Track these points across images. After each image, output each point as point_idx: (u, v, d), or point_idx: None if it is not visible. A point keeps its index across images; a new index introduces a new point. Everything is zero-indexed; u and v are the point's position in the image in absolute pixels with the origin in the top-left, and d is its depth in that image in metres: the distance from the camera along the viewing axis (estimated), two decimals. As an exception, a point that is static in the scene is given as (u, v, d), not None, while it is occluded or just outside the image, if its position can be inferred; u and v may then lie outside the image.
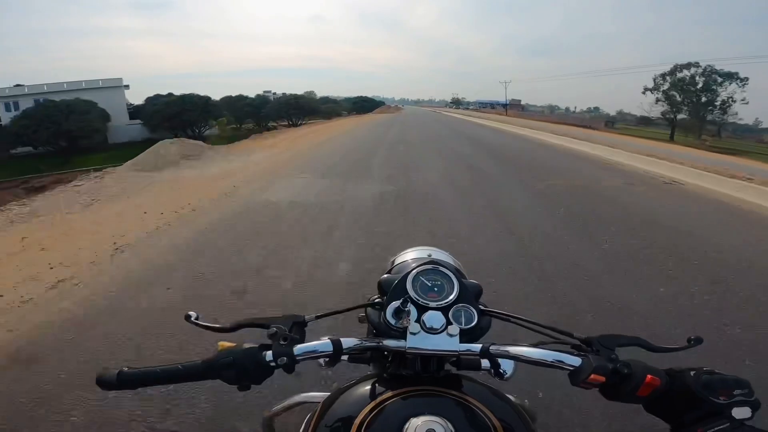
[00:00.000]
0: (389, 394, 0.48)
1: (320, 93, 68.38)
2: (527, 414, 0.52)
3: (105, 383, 0.46)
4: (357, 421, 0.45)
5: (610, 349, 0.49)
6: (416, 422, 0.42)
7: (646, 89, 35.79)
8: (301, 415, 0.58)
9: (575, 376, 0.47)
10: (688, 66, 33.46)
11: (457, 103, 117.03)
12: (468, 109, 78.43)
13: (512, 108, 72.95)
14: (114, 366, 0.46)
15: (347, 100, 68.16)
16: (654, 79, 35.15)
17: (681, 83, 33.74)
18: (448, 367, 0.58)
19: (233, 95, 34.91)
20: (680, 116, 34.24)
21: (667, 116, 35.07)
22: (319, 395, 0.64)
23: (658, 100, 34.91)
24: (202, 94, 29.26)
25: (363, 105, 58.80)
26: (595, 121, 40.25)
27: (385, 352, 0.56)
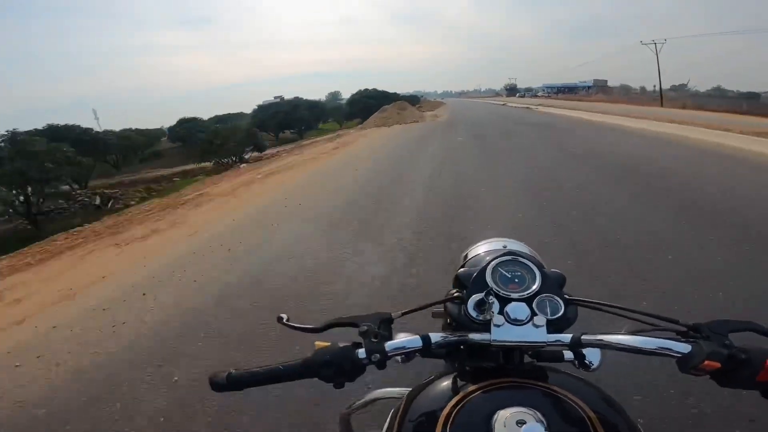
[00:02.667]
0: (473, 387, 0.48)
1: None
2: None
3: (216, 385, 0.49)
4: (443, 415, 0.45)
5: (723, 334, 0.46)
6: (505, 414, 0.41)
7: None
8: (378, 412, 0.58)
9: (684, 362, 0.45)
10: None
11: (513, 90, 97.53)
12: (537, 96, 60.26)
13: (601, 91, 54.70)
14: (224, 370, 0.50)
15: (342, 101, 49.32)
16: None
17: None
18: (527, 360, 0.57)
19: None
20: None
21: None
22: (396, 391, 0.66)
23: None
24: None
25: (368, 105, 33.33)
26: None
27: (461, 347, 0.56)
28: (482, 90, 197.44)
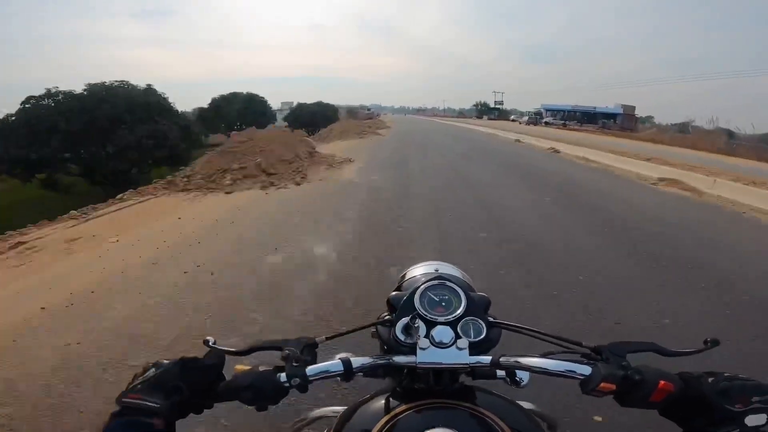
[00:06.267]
0: (403, 407, 0.51)
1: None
2: (547, 422, 0.55)
3: None
4: None
5: (621, 356, 0.49)
6: None
7: None
8: (321, 430, 0.60)
9: (586, 384, 0.48)
10: None
11: (485, 111, 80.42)
12: (549, 124, 37.21)
13: (629, 119, 39.18)
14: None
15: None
16: None
17: None
18: (463, 378, 0.60)
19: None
20: None
21: None
22: (338, 409, 0.66)
23: None
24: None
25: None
26: None
27: (398, 368, 0.58)
28: (441, 108, 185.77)
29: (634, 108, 42.82)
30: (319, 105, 38.04)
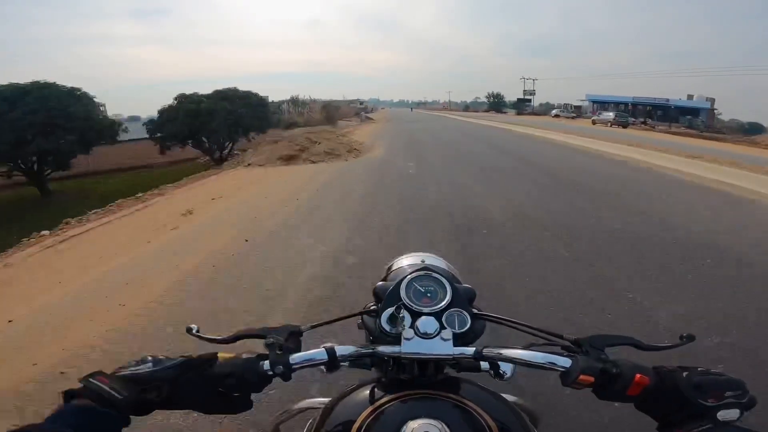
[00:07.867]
0: (387, 398, 0.51)
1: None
2: (528, 415, 0.56)
3: None
4: (356, 426, 0.47)
5: (600, 349, 0.50)
6: (413, 425, 0.44)
7: None
8: (306, 421, 0.59)
9: (566, 377, 0.48)
10: None
11: (498, 105, 70.72)
12: (633, 124, 25.92)
13: (711, 118, 30.41)
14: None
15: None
16: None
17: None
18: (447, 370, 0.60)
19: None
20: None
21: None
22: (323, 401, 0.66)
23: None
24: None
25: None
26: None
27: (384, 358, 0.57)
28: (440, 102, 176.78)
29: (713, 101, 33.95)
30: (224, 95, 18.35)
